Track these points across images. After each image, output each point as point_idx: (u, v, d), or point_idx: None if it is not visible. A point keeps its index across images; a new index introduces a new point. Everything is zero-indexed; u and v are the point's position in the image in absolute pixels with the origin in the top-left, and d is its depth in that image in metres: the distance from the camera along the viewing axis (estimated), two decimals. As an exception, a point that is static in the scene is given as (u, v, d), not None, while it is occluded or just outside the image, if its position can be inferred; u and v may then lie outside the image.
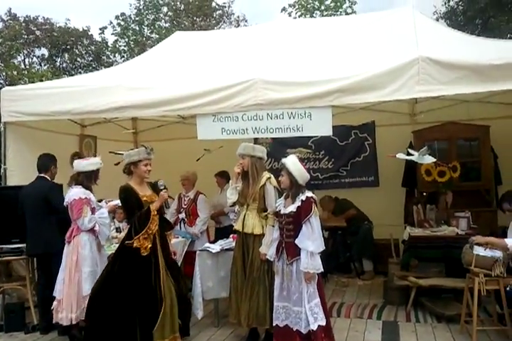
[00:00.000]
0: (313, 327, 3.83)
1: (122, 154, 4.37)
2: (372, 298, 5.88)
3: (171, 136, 7.65)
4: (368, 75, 4.85)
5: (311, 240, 3.87)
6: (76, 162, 4.71)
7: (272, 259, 4.16)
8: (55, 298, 4.55)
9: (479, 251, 4.35)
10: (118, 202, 4.51)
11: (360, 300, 5.75)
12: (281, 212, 4.08)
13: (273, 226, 4.27)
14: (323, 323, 3.86)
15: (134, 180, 4.28)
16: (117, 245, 4.47)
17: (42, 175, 5.10)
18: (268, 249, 4.23)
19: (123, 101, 5.25)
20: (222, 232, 6.12)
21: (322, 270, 3.93)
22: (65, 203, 4.62)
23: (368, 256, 6.93)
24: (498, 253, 4.27)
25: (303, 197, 3.97)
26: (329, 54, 5.70)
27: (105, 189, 4.91)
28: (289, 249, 3.99)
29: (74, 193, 4.56)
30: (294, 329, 3.95)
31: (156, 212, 4.17)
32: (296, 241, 3.91)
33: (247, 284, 4.33)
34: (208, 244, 5.14)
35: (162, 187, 4.33)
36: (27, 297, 5.19)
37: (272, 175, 4.47)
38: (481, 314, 4.53)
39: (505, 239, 4.20)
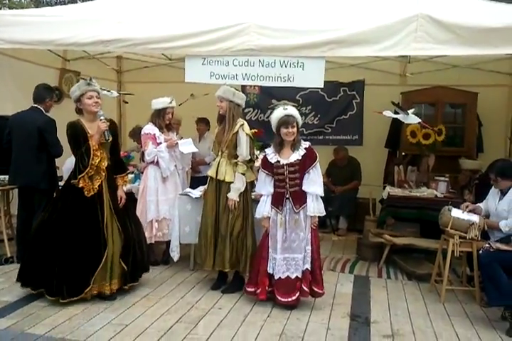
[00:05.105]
0: (303, 268, 4.06)
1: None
2: (345, 253, 5.98)
3: (156, 79, 7.40)
4: (365, 28, 4.73)
5: (318, 184, 4.03)
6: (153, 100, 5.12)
7: (259, 217, 4.17)
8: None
9: (457, 213, 4.40)
10: (178, 139, 5.16)
11: (333, 255, 5.84)
12: (282, 162, 4.04)
13: (243, 174, 4.31)
14: (309, 267, 4.06)
15: (85, 117, 4.06)
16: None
17: (36, 105, 4.94)
18: (237, 195, 4.29)
19: (109, 35, 5.01)
20: (198, 181, 5.99)
21: (324, 213, 4.14)
22: None
23: (346, 215, 6.99)
24: (475, 218, 4.33)
25: (305, 145, 4.08)
26: (328, 4, 5.49)
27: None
28: (296, 198, 4.04)
29: (144, 128, 5.13)
30: (294, 277, 4.07)
31: (97, 147, 4.01)
32: (304, 188, 4.02)
33: (216, 229, 4.38)
34: (189, 189, 5.09)
35: (101, 118, 4.06)
36: (1, 229, 5.11)
37: (245, 122, 4.42)
38: (450, 275, 4.62)
39: (500, 222, 4.30)
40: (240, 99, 4.44)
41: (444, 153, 6.43)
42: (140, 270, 4.40)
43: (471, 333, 3.76)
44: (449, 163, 6.40)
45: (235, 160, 4.36)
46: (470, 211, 4.43)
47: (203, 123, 6.69)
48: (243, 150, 4.31)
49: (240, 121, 4.39)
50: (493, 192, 4.54)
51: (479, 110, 6.77)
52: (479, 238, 4.28)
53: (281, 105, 4.17)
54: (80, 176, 3.96)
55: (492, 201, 4.52)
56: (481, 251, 4.05)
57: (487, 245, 4.03)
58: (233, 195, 4.29)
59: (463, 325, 3.90)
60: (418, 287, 4.80)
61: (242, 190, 4.33)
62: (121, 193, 4.28)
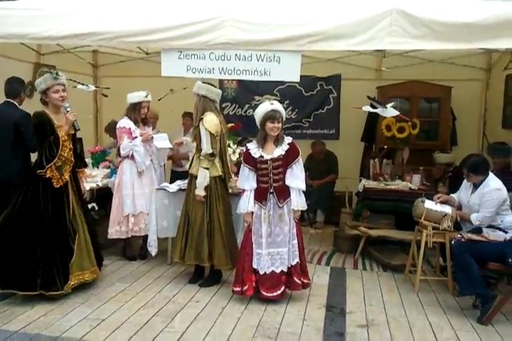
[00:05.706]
0: (293, 262, 4.12)
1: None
2: (322, 245, 6.05)
3: (132, 73, 7.31)
4: (340, 23, 4.73)
5: (301, 179, 4.05)
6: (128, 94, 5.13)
7: (243, 212, 4.14)
8: None
9: (430, 205, 4.48)
10: (154, 133, 5.16)
11: (310, 247, 5.88)
12: (265, 157, 4.04)
13: (206, 168, 4.30)
14: (299, 260, 4.12)
15: (50, 109, 4.09)
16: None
17: (10, 100, 4.87)
18: (202, 190, 4.29)
19: (85, 29, 4.92)
20: (178, 176, 5.99)
21: (306, 207, 4.18)
22: None
23: (323, 208, 7.05)
24: (448, 209, 4.42)
25: (288, 140, 4.11)
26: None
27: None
28: (280, 193, 4.06)
29: (119, 122, 5.11)
30: (279, 271, 4.10)
31: (66, 138, 4.06)
32: (288, 182, 4.04)
33: (187, 223, 4.42)
34: (165, 183, 5.09)
35: (68, 109, 4.08)
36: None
37: (207, 116, 4.34)
38: (423, 265, 4.71)
39: (471, 215, 4.36)
40: (205, 90, 4.42)
41: (418, 146, 6.54)
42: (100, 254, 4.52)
43: (444, 321, 3.85)
44: (424, 156, 6.49)
45: (198, 154, 4.38)
46: (443, 202, 4.51)
47: (189, 117, 6.62)
48: (204, 144, 4.31)
49: (205, 114, 4.36)
50: (466, 185, 4.62)
51: (453, 104, 6.88)
52: (452, 229, 4.37)
53: (266, 100, 4.14)
54: (48, 166, 3.98)
55: (464, 193, 4.60)
56: (453, 242, 4.14)
57: (459, 235, 4.12)
58: (198, 191, 4.31)
59: (436, 314, 3.99)
60: (393, 277, 4.90)
61: (206, 184, 4.31)
62: (83, 187, 4.42)
